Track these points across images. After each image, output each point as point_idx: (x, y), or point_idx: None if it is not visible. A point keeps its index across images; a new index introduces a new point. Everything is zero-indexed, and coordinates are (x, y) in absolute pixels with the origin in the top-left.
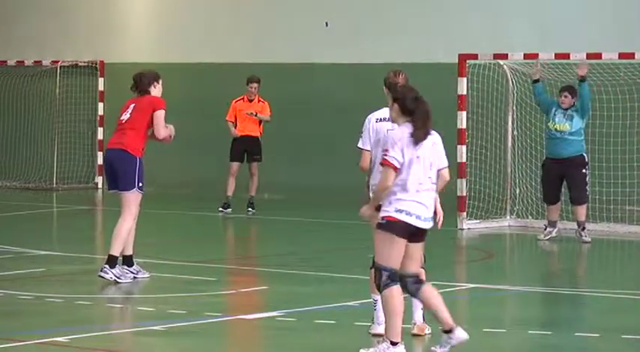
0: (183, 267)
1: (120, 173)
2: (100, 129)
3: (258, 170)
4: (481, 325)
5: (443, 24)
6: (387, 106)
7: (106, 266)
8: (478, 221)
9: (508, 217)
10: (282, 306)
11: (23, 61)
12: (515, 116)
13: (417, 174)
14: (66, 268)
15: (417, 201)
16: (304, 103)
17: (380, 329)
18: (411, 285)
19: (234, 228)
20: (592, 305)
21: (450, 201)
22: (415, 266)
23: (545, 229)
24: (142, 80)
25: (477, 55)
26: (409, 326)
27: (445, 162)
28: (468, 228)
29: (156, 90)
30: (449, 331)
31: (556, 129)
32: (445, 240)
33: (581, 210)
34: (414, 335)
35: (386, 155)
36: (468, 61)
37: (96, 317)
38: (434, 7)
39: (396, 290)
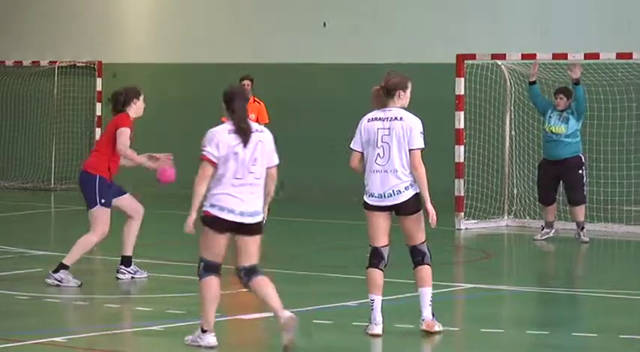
0: (182, 267)
1: (83, 193)
2: (98, 130)
3: None
4: (479, 325)
5: (441, 24)
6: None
7: (51, 272)
8: (476, 221)
9: (506, 217)
10: None
11: (21, 62)
12: (512, 116)
13: (234, 170)
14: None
15: (231, 195)
16: (302, 103)
17: (377, 329)
18: (243, 278)
19: None
20: (590, 305)
21: (448, 201)
22: (246, 260)
23: (542, 230)
24: (117, 99)
25: (474, 55)
26: (410, 326)
27: (274, 161)
28: (466, 228)
29: (135, 107)
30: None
31: (552, 132)
32: (443, 240)
33: (580, 211)
34: (423, 331)
35: (203, 150)
36: (466, 62)
37: (93, 318)
38: (432, 8)
39: (210, 280)
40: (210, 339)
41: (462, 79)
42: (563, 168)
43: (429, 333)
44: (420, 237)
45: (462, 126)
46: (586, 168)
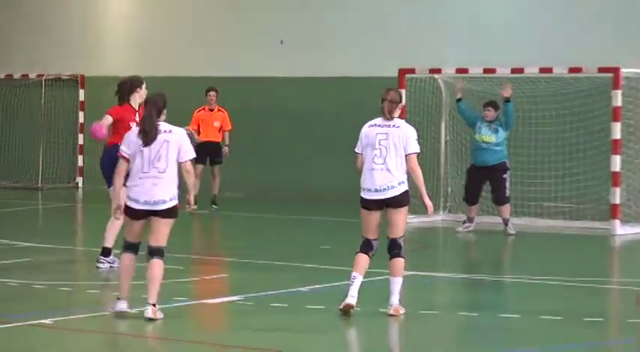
0: None
1: (109, 167)
2: (81, 136)
3: (219, 171)
4: (417, 307)
5: (385, 42)
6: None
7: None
8: (415, 216)
9: (441, 213)
10: (241, 292)
11: (12, 75)
12: (447, 124)
13: (140, 165)
14: (49, 258)
15: (137, 187)
16: (262, 112)
17: (351, 300)
18: (147, 255)
19: (199, 222)
20: (514, 290)
21: None
22: (153, 240)
23: (464, 223)
24: (122, 90)
25: (414, 69)
26: (358, 308)
27: (184, 157)
28: (407, 222)
29: (138, 95)
30: (152, 304)
31: (483, 141)
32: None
33: (504, 209)
34: (390, 315)
35: (120, 149)
36: (406, 75)
37: (77, 302)
38: (377, 28)
39: (126, 257)
40: (121, 305)
41: (404, 91)
42: (491, 172)
43: (393, 316)
44: (400, 230)
45: None
46: (510, 172)
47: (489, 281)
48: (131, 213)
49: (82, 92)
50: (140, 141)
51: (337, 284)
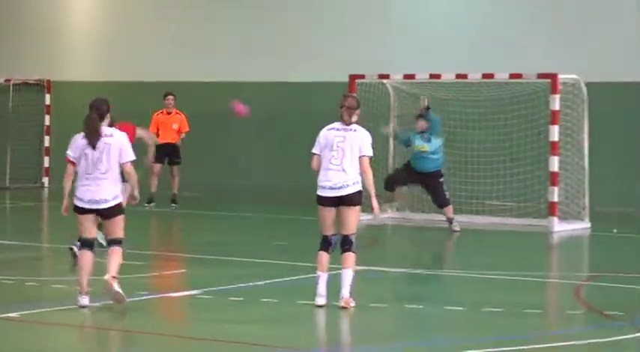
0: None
1: None
2: (47, 138)
3: (178, 171)
4: (367, 300)
5: (337, 49)
6: (338, 120)
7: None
8: (365, 214)
9: (389, 211)
10: (199, 286)
11: None
12: (395, 127)
13: (85, 167)
14: (16, 255)
15: (82, 187)
16: (221, 116)
17: (320, 300)
18: (107, 247)
19: (159, 220)
20: (459, 284)
21: None
22: (109, 234)
23: (387, 204)
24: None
25: (364, 75)
26: (310, 301)
27: (124, 158)
28: (359, 220)
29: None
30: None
31: (419, 150)
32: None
33: (447, 210)
34: (341, 307)
35: (67, 154)
36: (357, 81)
37: (43, 296)
38: (330, 37)
39: (83, 254)
40: (81, 300)
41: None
42: (428, 178)
43: (344, 309)
44: (352, 228)
45: None
46: (443, 178)
47: (435, 276)
48: (78, 210)
49: (48, 96)
50: (85, 145)
51: (291, 278)
